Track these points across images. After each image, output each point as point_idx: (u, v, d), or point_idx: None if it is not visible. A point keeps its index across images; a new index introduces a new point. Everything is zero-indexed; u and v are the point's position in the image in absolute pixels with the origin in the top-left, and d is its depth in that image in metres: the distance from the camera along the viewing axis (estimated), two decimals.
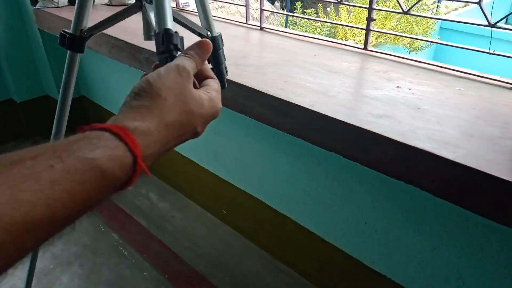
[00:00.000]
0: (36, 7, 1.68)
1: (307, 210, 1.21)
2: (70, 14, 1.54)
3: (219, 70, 0.64)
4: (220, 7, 5.08)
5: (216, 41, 0.64)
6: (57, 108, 0.81)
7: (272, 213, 1.33)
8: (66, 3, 1.70)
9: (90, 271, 1.34)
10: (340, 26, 4.06)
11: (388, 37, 3.95)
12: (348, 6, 3.98)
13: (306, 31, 4.27)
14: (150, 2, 0.57)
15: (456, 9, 4.72)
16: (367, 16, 1.11)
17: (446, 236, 0.91)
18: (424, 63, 1.07)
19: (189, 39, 0.50)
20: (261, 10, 1.38)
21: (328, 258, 1.23)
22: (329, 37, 3.34)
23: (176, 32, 0.48)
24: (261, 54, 1.17)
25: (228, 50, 1.17)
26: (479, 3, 0.94)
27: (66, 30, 0.74)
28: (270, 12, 5.56)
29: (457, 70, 1.02)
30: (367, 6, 1.10)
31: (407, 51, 4.01)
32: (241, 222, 1.50)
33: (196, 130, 0.37)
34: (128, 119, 0.32)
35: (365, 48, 1.17)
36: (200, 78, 0.42)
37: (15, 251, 0.22)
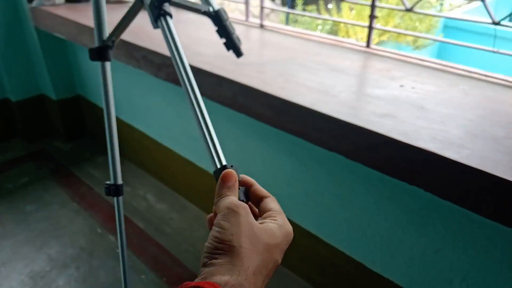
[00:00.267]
0: (32, 5, 1.66)
1: (308, 212, 1.20)
2: (66, 12, 1.53)
3: (231, 39, 0.67)
4: (219, 5, 5.06)
5: (220, 14, 0.66)
6: (105, 120, 0.83)
7: None
8: (62, 1, 1.68)
9: (87, 274, 1.32)
10: (342, 24, 4.05)
11: (391, 35, 3.93)
12: (350, 3, 3.96)
13: (307, 28, 4.26)
14: None
15: (460, 6, 4.71)
16: (369, 13, 1.10)
17: (450, 238, 0.90)
18: (427, 61, 1.05)
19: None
20: (261, 7, 1.37)
21: (329, 261, 1.22)
22: (331, 34, 3.32)
23: None
24: (261, 53, 1.15)
25: None
26: (483, 0, 0.92)
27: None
28: (270, 10, 5.55)
29: (461, 68, 1.01)
30: (370, 3, 1.09)
31: (410, 49, 3.99)
32: None
33: (277, 262, 0.38)
34: (216, 274, 0.33)
35: (367, 46, 1.15)
36: (255, 200, 0.43)
37: None
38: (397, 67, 1.02)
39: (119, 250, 0.89)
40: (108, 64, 0.82)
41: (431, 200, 0.89)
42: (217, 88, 0.99)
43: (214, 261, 0.34)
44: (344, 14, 4.04)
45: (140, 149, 1.84)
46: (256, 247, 0.35)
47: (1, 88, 1.98)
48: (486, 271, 0.87)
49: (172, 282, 1.30)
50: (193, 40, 1.22)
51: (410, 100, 0.84)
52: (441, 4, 4.42)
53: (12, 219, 1.57)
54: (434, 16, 2.79)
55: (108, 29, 0.77)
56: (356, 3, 2.85)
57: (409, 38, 3.98)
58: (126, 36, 1.23)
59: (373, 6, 1.08)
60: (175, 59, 0.51)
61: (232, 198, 0.39)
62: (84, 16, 1.47)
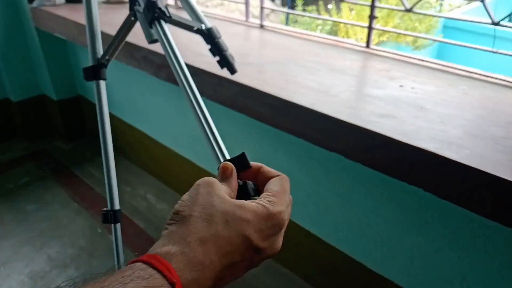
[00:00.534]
0: (33, 5, 1.66)
1: (308, 212, 1.20)
2: (67, 13, 1.53)
3: (224, 57, 0.67)
4: (219, 5, 5.07)
5: (213, 32, 0.67)
6: (101, 144, 0.81)
7: None
8: (63, 1, 1.68)
9: (87, 274, 1.32)
10: (342, 24, 4.05)
11: (391, 35, 3.93)
12: (350, 4, 3.96)
13: (307, 29, 4.26)
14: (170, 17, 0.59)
15: (459, 7, 4.70)
16: (369, 13, 1.10)
17: (450, 238, 0.90)
18: (427, 61, 1.05)
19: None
20: (261, 7, 1.37)
21: (329, 261, 1.22)
22: (331, 35, 3.33)
23: None
24: (261, 53, 1.15)
25: (228, 48, 1.15)
26: (482, 1, 0.92)
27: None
28: (270, 10, 5.55)
29: (460, 69, 1.01)
30: (370, 3, 1.09)
31: (410, 50, 3.99)
32: None
33: (250, 241, 0.33)
34: (158, 246, 0.31)
35: (367, 46, 1.15)
36: (262, 183, 0.40)
37: None
38: (397, 67, 1.02)
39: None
40: (103, 83, 0.80)
41: (430, 200, 0.89)
42: (218, 88, 1.00)
43: (164, 231, 0.33)
44: (344, 14, 4.04)
45: (140, 149, 1.84)
46: (210, 216, 0.33)
47: (2, 88, 1.98)
48: (486, 271, 0.87)
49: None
50: (193, 40, 1.22)
51: (409, 100, 0.84)
52: (441, 5, 4.42)
53: (13, 218, 1.57)
54: (433, 16, 2.80)
55: (102, 46, 0.76)
56: (356, 4, 2.85)
57: (409, 39, 3.98)
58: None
59: (372, 7, 1.08)
60: (173, 63, 0.52)
61: (215, 179, 0.37)
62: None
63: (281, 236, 0.37)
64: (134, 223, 1.55)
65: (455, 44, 1.08)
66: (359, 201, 1.04)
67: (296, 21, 4.67)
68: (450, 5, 4.54)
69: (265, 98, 0.89)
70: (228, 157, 0.45)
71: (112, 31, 1.28)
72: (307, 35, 1.30)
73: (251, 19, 1.43)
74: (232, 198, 0.36)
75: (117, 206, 0.81)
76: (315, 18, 4.43)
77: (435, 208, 0.90)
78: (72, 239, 1.47)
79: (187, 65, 1.05)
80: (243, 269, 0.35)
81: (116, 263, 0.86)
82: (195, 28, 0.65)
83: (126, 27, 0.67)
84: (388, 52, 1.12)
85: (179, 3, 1.63)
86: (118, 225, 0.83)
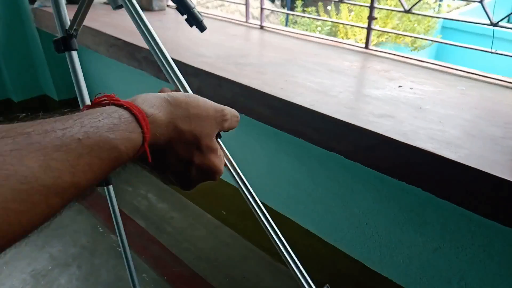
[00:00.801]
0: (34, 6, 1.67)
1: (308, 211, 1.21)
2: (68, 13, 1.53)
3: (192, 14, 0.67)
4: (219, 6, 5.08)
5: None
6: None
7: (272, 214, 1.32)
8: (64, 2, 1.69)
9: (88, 273, 1.33)
10: (341, 25, 4.05)
11: (390, 36, 3.94)
12: (349, 5, 3.97)
13: (306, 30, 4.26)
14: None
15: (458, 7, 4.71)
16: (368, 14, 1.10)
17: (448, 237, 0.90)
18: (426, 62, 1.06)
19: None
20: (261, 8, 1.38)
21: (329, 260, 1.22)
22: (330, 36, 3.33)
23: None
24: (261, 53, 1.16)
25: (228, 49, 1.16)
26: (481, 1, 0.93)
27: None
28: (270, 11, 5.56)
29: (459, 69, 1.01)
30: (369, 4, 1.09)
31: (408, 50, 4.00)
32: (240, 223, 1.50)
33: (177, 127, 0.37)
34: (146, 106, 0.35)
35: (366, 47, 1.16)
36: None
37: (47, 209, 0.26)
38: (396, 68, 1.02)
39: (119, 242, 0.89)
40: (75, 54, 0.81)
41: (429, 199, 0.90)
42: (218, 88, 1.00)
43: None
44: (343, 15, 4.04)
45: None
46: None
47: (4, 89, 1.98)
48: (484, 270, 0.88)
49: (173, 281, 1.31)
50: (194, 41, 1.23)
51: (408, 100, 0.85)
52: (440, 6, 4.43)
53: None
54: (432, 17, 2.80)
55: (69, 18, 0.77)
56: (355, 5, 2.86)
57: (408, 39, 3.99)
58: (127, 37, 1.24)
59: (371, 8, 1.09)
60: (139, 26, 0.51)
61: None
62: (86, 17, 1.48)
63: (217, 156, 0.42)
64: (135, 222, 1.56)
65: (454, 45, 1.08)
66: (358, 201, 1.05)
67: (295, 22, 4.67)
68: (449, 6, 4.55)
69: (265, 98, 0.90)
70: (189, 90, 0.48)
71: (115, 32, 1.29)
72: (307, 36, 1.30)
73: (251, 20, 1.44)
74: None
75: None
76: (314, 19, 4.43)
77: (433, 208, 0.90)
78: (74, 238, 1.47)
79: (187, 65, 1.06)
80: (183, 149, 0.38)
81: (115, 225, 0.90)
82: None
83: None
84: (387, 53, 1.12)
85: None
86: (111, 187, 0.86)
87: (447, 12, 4.54)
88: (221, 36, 1.28)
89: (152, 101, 0.35)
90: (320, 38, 1.28)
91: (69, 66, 0.82)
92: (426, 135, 0.71)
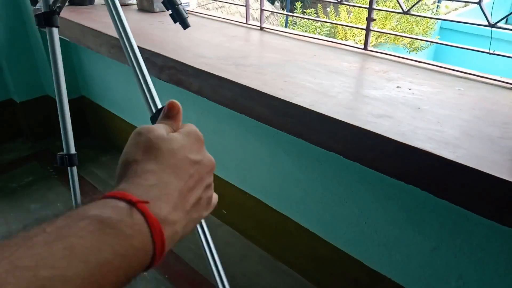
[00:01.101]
0: (36, 7, 1.68)
1: (307, 210, 1.21)
2: (70, 14, 1.54)
3: (177, 10, 0.67)
4: (220, 7, 5.08)
5: None
6: (55, 90, 0.83)
7: (272, 213, 1.33)
8: (66, 4, 1.70)
9: None
10: (340, 26, 4.06)
11: (388, 37, 3.95)
12: (348, 6, 3.98)
13: (306, 31, 4.27)
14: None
15: (456, 9, 4.72)
16: (367, 16, 1.11)
17: (446, 236, 0.91)
18: (424, 63, 1.07)
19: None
20: (261, 10, 1.38)
21: (328, 258, 1.23)
22: (329, 37, 3.34)
23: None
24: (261, 54, 1.17)
25: (228, 50, 1.17)
26: (479, 3, 0.94)
27: (38, 10, 0.79)
28: (270, 12, 5.56)
29: (457, 70, 1.02)
30: (367, 6, 1.10)
31: (407, 51, 4.01)
32: (241, 222, 1.50)
33: (190, 159, 0.36)
34: (156, 202, 0.31)
35: (365, 48, 1.16)
36: None
37: None
38: (394, 69, 1.03)
39: None
40: (56, 31, 0.81)
41: (427, 198, 0.91)
42: (218, 89, 1.01)
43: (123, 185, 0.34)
44: (342, 17, 4.05)
45: None
46: (156, 155, 0.35)
47: (6, 89, 1.99)
48: (482, 269, 0.88)
49: (174, 279, 1.32)
50: (194, 42, 1.24)
51: (406, 101, 0.85)
52: (438, 7, 4.44)
53: (17, 217, 1.58)
54: (430, 18, 2.81)
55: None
56: (353, 6, 2.87)
57: (406, 40, 4.00)
58: None
59: (370, 9, 1.10)
60: (108, 3, 0.51)
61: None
62: (87, 18, 1.49)
63: (207, 152, 0.40)
64: None
65: (452, 46, 1.09)
66: (357, 200, 1.06)
67: (295, 23, 4.68)
68: (447, 7, 4.56)
69: (264, 98, 0.90)
70: (160, 105, 0.47)
71: (112, 32, 1.29)
72: (306, 37, 1.31)
73: (251, 21, 1.45)
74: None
75: (72, 151, 0.84)
76: (314, 20, 4.44)
77: (432, 207, 0.91)
78: None
79: (188, 66, 1.07)
80: (197, 186, 0.37)
81: (74, 204, 0.88)
82: None
83: None
84: (386, 54, 1.13)
85: None
86: (75, 169, 0.87)
87: (445, 13, 4.55)
88: (221, 37, 1.29)
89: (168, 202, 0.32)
90: (319, 39, 1.29)
91: (49, 43, 0.81)
92: (424, 135, 0.72)
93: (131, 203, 0.29)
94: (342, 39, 3.78)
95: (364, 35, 1.16)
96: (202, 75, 1.03)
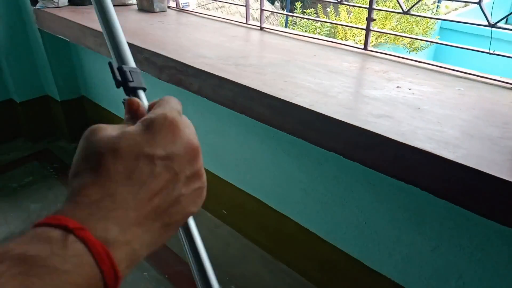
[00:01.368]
0: (36, 7, 1.68)
1: (307, 210, 1.21)
2: (70, 14, 1.55)
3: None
4: (220, 7, 5.09)
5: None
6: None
7: (272, 213, 1.33)
8: (66, 3, 1.70)
9: None
10: (340, 26, 4.07)
11: (388, 37, 3.95)
12: (348, 6, 3.98)
13: (306, 31, 4.27)
14: None
15: (456, 9, 4.72)
16: (367, 16, 1.11)
17: (446, 236, 0.91)
18: (424, 63, 1.07)
19: None
20: (261, 10, 1.39)
21: (328, 258, 1.23)
22: (329, 37, 3.34)
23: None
24: (261, 54, 1.17)
25: (228, 50, 1.17)
26: (479, 3, 0.94)
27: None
28: (270, 12, 5.57)
29: (457, 70, 1.02)
30: (367, 6, 1.10)
31: (407, 51, 4.01)
32: (241, 222, 1.50)
33: (150, 156, 0.29)
34: (99, 223, 0.26)
35: (365, 48, 1.17)
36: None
37: None
38: (394, 69, 1.03)
39: None
40: None
41: (427, 198, 0.90)
42: (218, 89, 1.01)
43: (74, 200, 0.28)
44: (342, 17, 4.06)
45: None
46: (98, 163, 0.29)
47: (6, 89, 1.99)
48: (482, 269, 0.88)
49: (174, 279, 1.32)
50: (194, 42, 1.24)
51: (406, 101, 0.85)
52: (438, 7, 4.44)
53: (17, 217, 1.58)
54: (430, 18, 2.81)
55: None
56: (353, 6, 2.87)
57: (406, 40, 4.00)
58: (128, 38, 1.25)
59: (370, 9, 1.10)
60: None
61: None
62: (87, 18, 1.49)
63: (187, 136, 0.33)
64: None
65: (452, 46, 1.09)
66: (357, 200, 1.06)
67: (295, 24, 4.69)
68: (447, 7, 4.56)
69: (264, 98, 0.90)
70: (132, 64, 0.39)
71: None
72: (306, 37, 1.31)
73: (251, 21, 1.45)
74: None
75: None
76: (314, 20, 4.44)
77: (432, 207, 0.91)
78: None
79: (188, 66, 1.07)
80: (169, 185, 0.30)
81: None
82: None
83: None
84: (386, 54, 1.13)
85: (181, 4, 1.64)
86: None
87: (445, 13, 4.56)
88: (221, 37, 1.29)
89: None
90: (319, 39, 1.29)
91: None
92: (424, 135, 0.72)
93: (68, 230, 0.24)
94: (342, 39, 3.79)
95: (364, 35, 1.16)
96: (202, 75, 1.03)
